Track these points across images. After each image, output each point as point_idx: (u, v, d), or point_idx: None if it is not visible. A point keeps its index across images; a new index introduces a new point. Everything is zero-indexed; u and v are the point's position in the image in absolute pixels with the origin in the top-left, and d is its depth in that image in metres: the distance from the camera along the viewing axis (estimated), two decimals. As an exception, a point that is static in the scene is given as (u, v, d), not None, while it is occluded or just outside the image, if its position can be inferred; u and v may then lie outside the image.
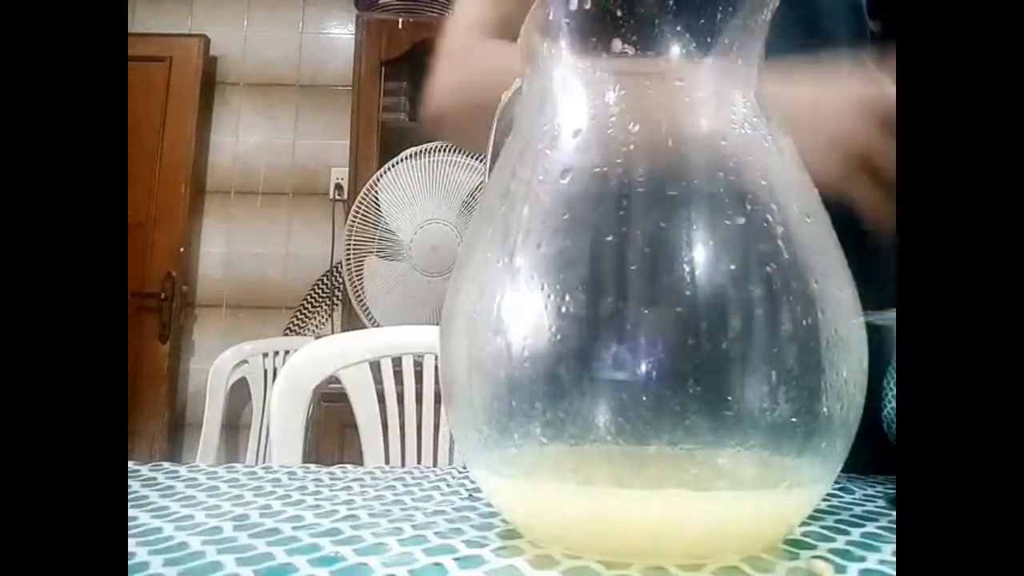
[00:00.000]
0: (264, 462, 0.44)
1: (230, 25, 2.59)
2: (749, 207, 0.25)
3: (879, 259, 0.60)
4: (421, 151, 1.98)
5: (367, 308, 2.00)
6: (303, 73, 2.58)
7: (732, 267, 0.24)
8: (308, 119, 2.56)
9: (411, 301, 1.96)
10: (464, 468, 0.35)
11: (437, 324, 0.29)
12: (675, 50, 0.27)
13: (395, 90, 2.25)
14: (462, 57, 0.62)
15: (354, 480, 0.38)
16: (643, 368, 0.23)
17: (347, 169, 2.23)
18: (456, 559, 0.24)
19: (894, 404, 0.36)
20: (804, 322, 0.24)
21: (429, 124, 0.67)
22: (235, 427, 2.23)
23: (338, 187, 2.46)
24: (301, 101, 2.57)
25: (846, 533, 0.29)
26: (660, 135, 0.26)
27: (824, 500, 0.34)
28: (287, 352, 2.09)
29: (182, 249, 2.41)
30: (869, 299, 0.26)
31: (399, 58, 2.18)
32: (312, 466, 0.42)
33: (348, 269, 2.02)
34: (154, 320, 2.36)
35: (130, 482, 0.36)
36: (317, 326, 2.48)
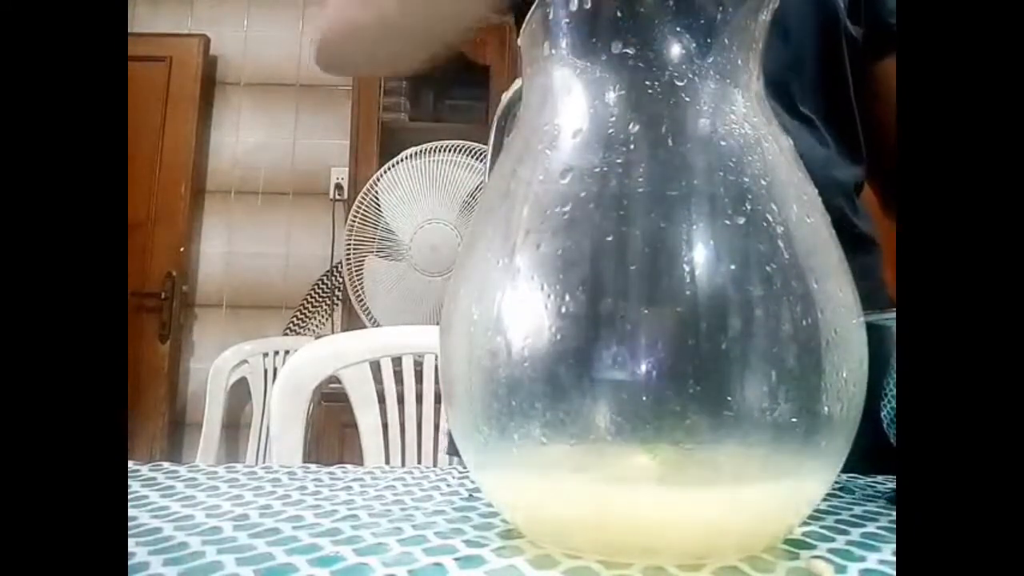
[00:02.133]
0: (264, 462, 0.44)
1: (230, 25, 2.59)
2: (749, 207, 0.25)
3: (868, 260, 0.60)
4: (421, 151, 1.98)
5: (367, 308, 2.00)
6: (303, 73, 2.57)
7: (732, 267, 0.24)
8: (308, 119, 2.56)
9: (411, 301, 1.96)
10: (464, 468, 0.35)
11: (437, 324, 0.29)
12: (675, 50, 0.27)
13: (395, 90, 2.25)
14: None
15: (354, 480, 0.38)
16: (643, 368, 0.23)
17: (347, 169, 2.23)
18: (456, 559, 0.24)
19: (894, 404, 0.36)
20: (804, 322, 0.24)
21: (325, 53, 0.69)
22: (235, 427, 2.23)
23: (338, 187, 2.46)
24: (301, 101, 2.57)
25: (846, 533, 0.29)
26: (660, 135, 0.26)
27: (824, 500, 0.34)
28: (287, 352, 2.10)
29: (182, 249, 2.41)
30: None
31: (399, 58, 2.18)
32: (312, 466, 0.42)
33: (348, 269, 2.02)
34: (154, 320, 2.36)
35: (130, 482, 0.36)
36: (317, 326, 2.48)
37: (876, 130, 0.66)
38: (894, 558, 0.25)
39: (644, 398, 0.23)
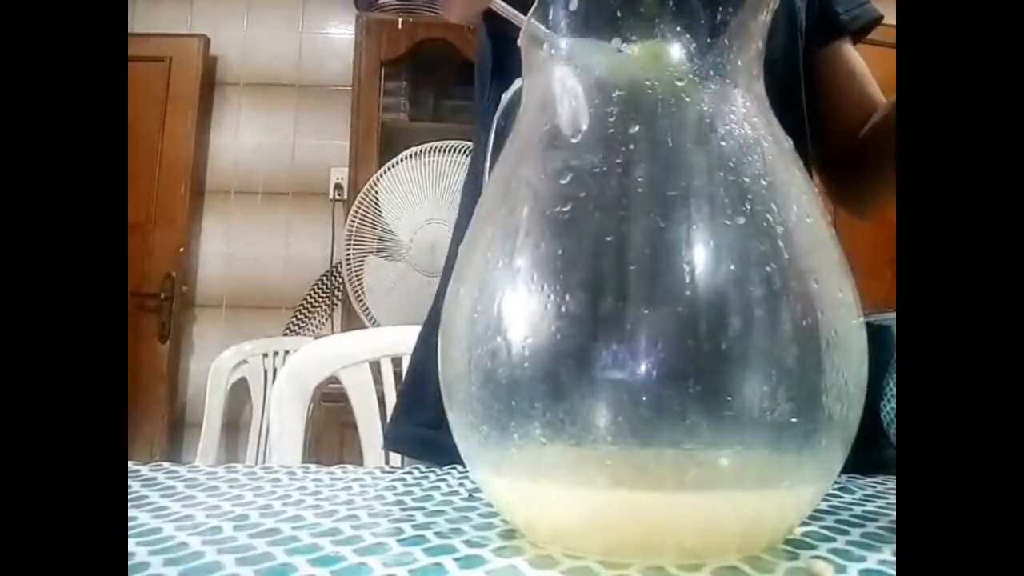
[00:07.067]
0: (264, 462, 0.44)
1: (230, 25, 2.59)
2: (749, 207, 0.25)
3: None
4: (421, 151, 1.98)
5: (367, 308, 2.00)
6: (303, 73, 2.57)
7: (732, 267, 0.24)
8: (308, 119, 2.56)
9: (411, 301, 1.96)
10: (464, 468, 0.35)
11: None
12: (675, 50, 0.27)
13: (395, 90, 2.25)
14: None
15: (354, 480, 0.38)
16: (643, 368, 0.23)
17: (347, 169, 2.23)
18: (456, 559, 0.24)
19: (894, 404, 0.36)
20: (804, 322, 0.24)
21: None
22: (235, 427, 2.23)
23: (338, 187, 2.46)
24: (301, 101, 2.57)
25: (846, 533, 0.29)
26: (660, 135, 0.26)
27: (824, 500, 0.34)
28: (287, 352, 2.09)
29: (182, 249, 2.41)
30: None
31: (399, 58, 2.19)
32: (312, 466, 0.42)
33: (348, 269, 2.02)
34: (154, 320, 2.36)
35: (130, 482, 0.36)
36: (317, 326, 2.47)
37: (822, 115, 0.65)
38: (894, 558, 0.25)
39: (644, 398, 0.23)
